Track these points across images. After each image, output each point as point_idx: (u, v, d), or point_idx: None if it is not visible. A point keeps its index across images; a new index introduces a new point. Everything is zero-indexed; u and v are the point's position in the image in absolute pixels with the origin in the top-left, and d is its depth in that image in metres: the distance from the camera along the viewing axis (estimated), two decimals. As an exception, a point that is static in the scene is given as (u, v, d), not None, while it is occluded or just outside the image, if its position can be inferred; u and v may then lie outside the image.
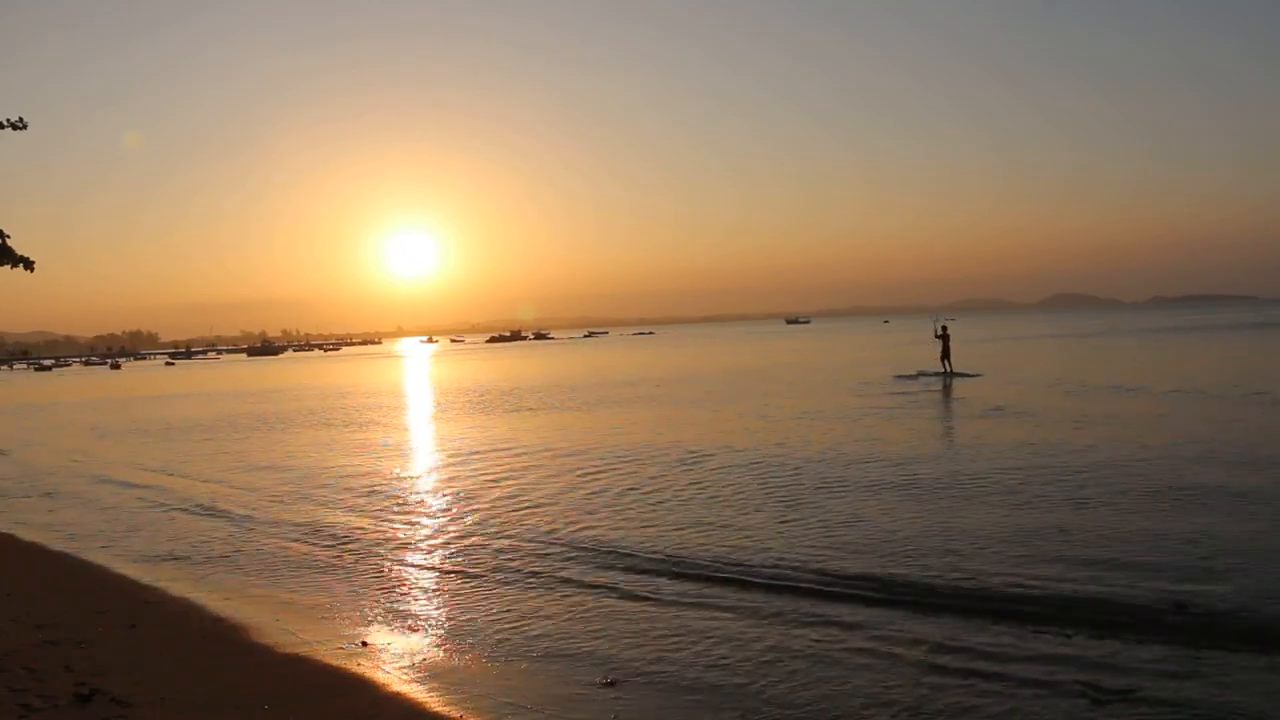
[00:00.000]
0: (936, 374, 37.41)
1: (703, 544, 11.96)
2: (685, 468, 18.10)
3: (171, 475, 21.81)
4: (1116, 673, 7.30)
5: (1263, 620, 8.12)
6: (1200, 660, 7.45)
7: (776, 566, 10.70)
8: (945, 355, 37.53)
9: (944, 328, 39.13)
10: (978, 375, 36.66)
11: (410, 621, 9.72)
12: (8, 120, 9.84)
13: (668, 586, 10.32)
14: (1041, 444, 18.56)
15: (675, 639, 8.70)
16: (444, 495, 16.90)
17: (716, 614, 9.33)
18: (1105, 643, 7.90)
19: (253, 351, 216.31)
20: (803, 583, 10.05)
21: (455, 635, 9.18)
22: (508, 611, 9.86)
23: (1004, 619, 8.61)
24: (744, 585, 10.13)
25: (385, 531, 14.23)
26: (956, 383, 34.59)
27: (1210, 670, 7.27)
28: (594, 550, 12.02)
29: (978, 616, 8.73)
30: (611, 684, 7.59)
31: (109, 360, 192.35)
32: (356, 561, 12.49)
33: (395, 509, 15.83)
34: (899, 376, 38.14)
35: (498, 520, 14.31)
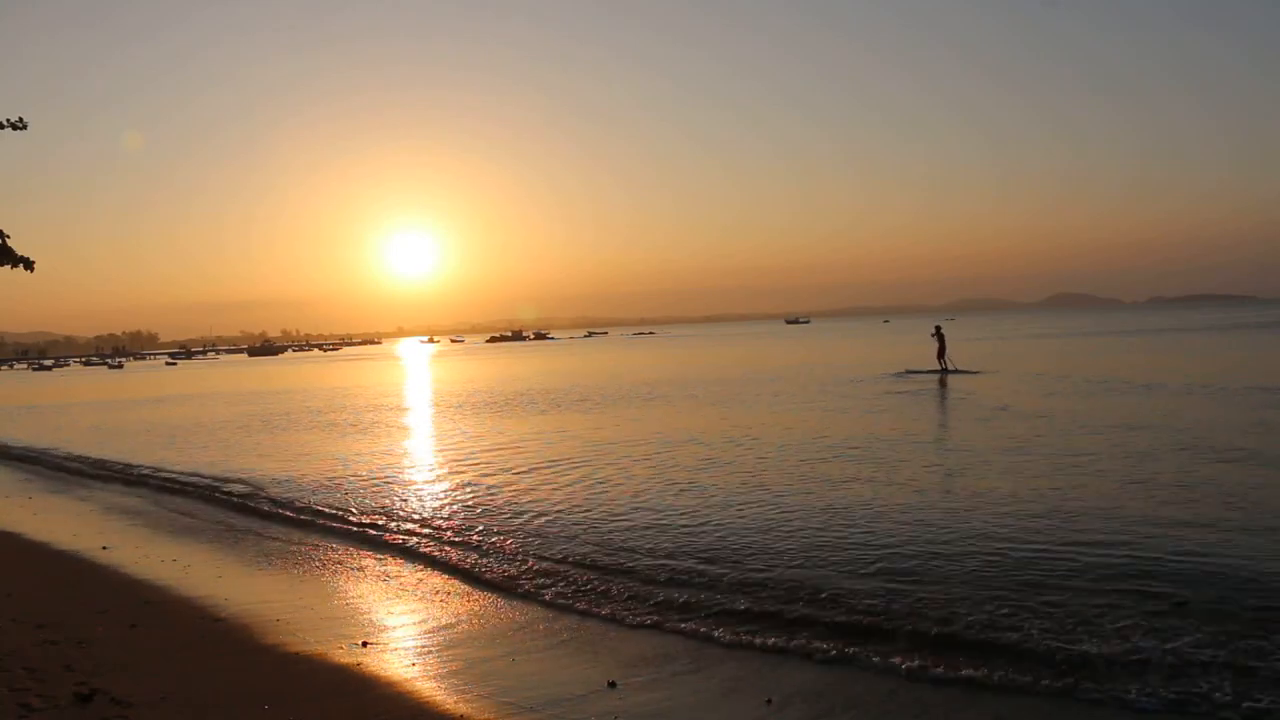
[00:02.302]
0: (933, 372, 38.49)
1: (706, 548, 11.94)
2: (689, 471, 18.07)
3: (172, 475, 21.77)
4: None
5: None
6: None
7: (779, 569, 10.69)
8: (941, 354, 38.77)
9: (938, 328, 40.41)
10: (981, 373, 37.25)
11: (411, 621, 9.71)
12: (8, 120, 9.83)
13: (669, 589, 10.29)
14: (1045, 442, 18.56)
15: (676, 640, 8.69)
16: (445, 496, 16.87)
17: (717, 615, 9.32)
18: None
19: (253, 351, 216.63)
20: (814, 584, 10.03)
21: (456, 635, 9.16)
22: (509, 612, 9.86)
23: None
24: (747, 589, 10.10)
25: (386, 531, 14.21)
26: (961, 381, 34.78)
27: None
28: (597, 552, 11.97)
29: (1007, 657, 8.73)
30: (613, 685, 7.58)
31: (109, 360, 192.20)
32: (356, 561, 12.49)
33: (396, 509, 15.79)
34: (898, 375, 38.89)
35: (499, 521, 14.27)
